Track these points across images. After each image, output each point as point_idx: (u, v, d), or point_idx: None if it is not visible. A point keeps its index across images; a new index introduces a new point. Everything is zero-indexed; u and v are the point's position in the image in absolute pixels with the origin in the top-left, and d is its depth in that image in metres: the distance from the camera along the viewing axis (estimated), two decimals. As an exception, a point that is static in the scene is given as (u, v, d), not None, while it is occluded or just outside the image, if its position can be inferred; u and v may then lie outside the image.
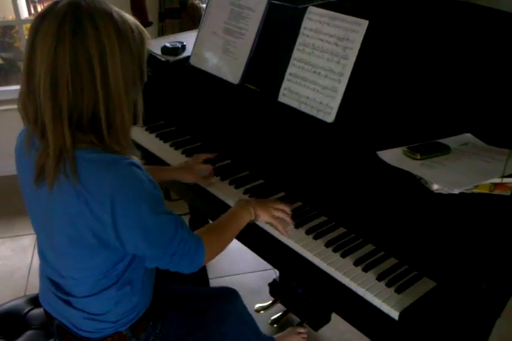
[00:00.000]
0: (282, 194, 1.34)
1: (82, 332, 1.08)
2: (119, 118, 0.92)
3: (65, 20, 0.84)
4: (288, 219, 1.21)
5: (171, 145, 1.58)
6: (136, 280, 1.07)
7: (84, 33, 0.85)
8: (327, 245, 1.16)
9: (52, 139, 0.88)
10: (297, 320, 1.81)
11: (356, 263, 1.10)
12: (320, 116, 1.28)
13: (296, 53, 1.34)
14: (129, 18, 0.94)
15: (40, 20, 0.86)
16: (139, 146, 1.62)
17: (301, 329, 1.74)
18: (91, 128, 0.90)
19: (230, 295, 1.33)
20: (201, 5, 2.46)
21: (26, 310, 1.28)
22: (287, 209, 1.22)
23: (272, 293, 1.86)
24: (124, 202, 0.90)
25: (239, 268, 2.18)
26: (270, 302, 1.86)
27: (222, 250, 1.14)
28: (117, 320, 1.08)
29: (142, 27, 0.96)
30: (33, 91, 0.87)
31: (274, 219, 1.19)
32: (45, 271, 1.11)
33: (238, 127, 1.48)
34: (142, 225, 0.93)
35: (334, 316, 1.71)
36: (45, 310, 1.16)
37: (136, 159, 0.97)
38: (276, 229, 1.20)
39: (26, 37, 1.00)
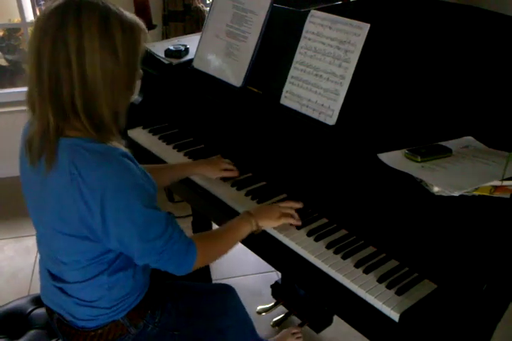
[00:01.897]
0: (284, 196, 1.35)
1: (79, 322, 1.10)
2: (99, 111, 0.94)
3: (53, 13, 0.90)
4: (295, 215, 1.21)
5: (173, 148, 1.59)
6: (130, 267, 1.08)
7: (66, 28, 0.88)
8: (328, 247, 1.16)
9: (39, 118, 0.94)
10: (299, 322, 1.81)
11: (357, 265, 1.11)
12: (322, 118, 1.28)
13: (298, 56, 1.34)
14: (128, 18, 0.95)
15: (40, 14, 0.93)
16: (141, 148, 1.63)
17: (295, 330, 1.74)
18: (75, 116, 0.94)
19: (226, 292, 1.35)
20: (205, 8, 2.47)
21: (29, 309, 1.29)
22: (292, 203, 1.23)
23: (274, 294, 1.86)
24: (114, 191, 0.93)
25: (241, 270, 2.19)
26: (272, 304, 1.86)
27: (215, 258, 1.15)
28: (112, 306, 1.09)
29: (141, 28, 0.97)
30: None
31: (282, 219, 1.19)
32: (42, 261, 1.14)
33: (240, 129, 1.49)
34: (131, 217, 0.95)
35: (336, 318, 1.71)
36: (46, 305, 1.18)
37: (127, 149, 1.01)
38: (290, 224, 1.20)
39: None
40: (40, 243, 1.13)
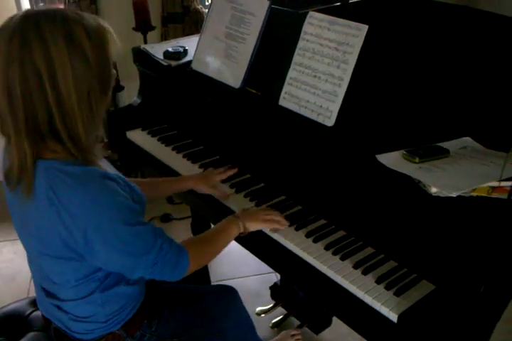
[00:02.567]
0: (283, 197, 1.35)
1: (75, 334, 1.10)
2: (80, 129, 0.91)
3: (14, 35, 0.84)
4: (283, 222, 1.22)
5: (173, 149, 1.59)
6: (122, 282, 1.07)
7: (31, 46, 0.84)
8: (327, 248, 1.16)
9: (15, 149, 0.90)
10: (298, 323, 1.81)
11: (356, 266, 1.11)
12: (320, 119, 1.29)
13: (296, 58, 1.35)
14: (90, 23, 0.90)
15: None
16: (140, 150, 1.63)
17: (295, 332, 1.74)
18: (53, 137, 0.91)
19: (228, 293, 1.34)
20: (204, 10, 2.47)
21: (28, 311, 1.29)
22: (276, 213, 1.24)
23: (273, 296, 1.86)
24: (94, 214, 0.91)
25: (240, 272, 2.19)
26: (271, 305, 1.86)
27: (207, 261, 1.16)
28: (107, 320, 1.08)
29: (106, 30, 0.93)
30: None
31: (266, 223, 1.21)
32: (35, 276, 1.13)
33: (239, 131, 1.49)
34: (116, 236, 0.93)
35: (335, 319, 1.71)
36: (42, 314, 1.18)
37: (105, 169, 0.97)
38: (272, 229, 1.22)
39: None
40: (30, 262, 1.12)
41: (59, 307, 1.08)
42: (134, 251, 0.96)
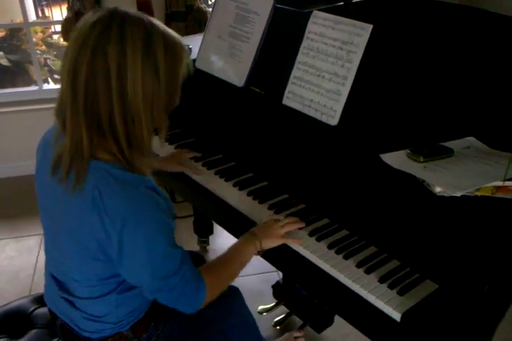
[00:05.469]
0: (286, 196, 1.35)
1: (83, 332, 1.09)
2: (138, 132, 0.89)
3: (98, 23, 0.85)
4: (298, 225, 1.20)
5: (175, 148, 1.59)
6: (137, 287, 1.05)
7: (109, 38, 0.84)
8: (330, 247, 1.16)
9: (71, 133, 0.88)
10: (300, 322, 1.81)
11: (359, 265, 1.11)
12: (324, 119, 1.29)
13: (300, 57, 1.35)
14: (171, 36, 0.90)
15: (80, 21, 0.88)
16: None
17: (298, 333, 1.74)
18: (112, 135, 0.89)
19: (231, 294, 1.34)
20: (207, 8, 2.48)
21: (31, 309, 1.29)
22: (291, 220, 1.21)
23: (275, 295, 1.86)
24: (135, 225, 0.89)
25: (242, 270, 2.19)
26: (273, 304, 1.86)
27: (223, 290, 1.12)
28: (118, 321, 1.08)
29: (183, 48, 0.92)
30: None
31: (284, 239, 1.17)
32: (49, 268, 1.12)
33: (242, 129, 1.49)
34: (148, 252, 0.92)
35: (337, 318, 1.71)
36: (49, 308, 1.17)
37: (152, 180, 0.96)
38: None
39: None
40: (49, 255, 1.10)
41: (72, 304, 1.06)
42: (158, 272, 0.94)
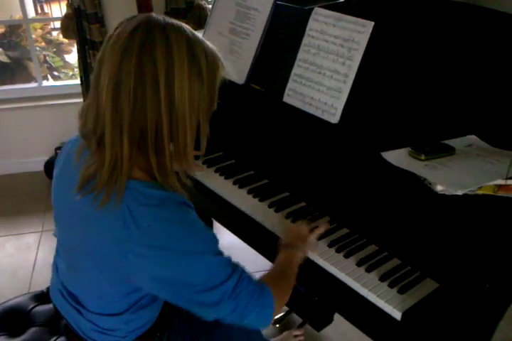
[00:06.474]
0: (286, 194, 1.35)
1: (89, 339, 1.06)
2: (182, 139, 0.87)
3: (137, 31, 0.82)
4: (323, 229, 1.19)
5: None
6: (152, 304, 1.03)
7: (155, 43, 0.81)
8: (330, 245, 1.16)
9: (110, 148, 0.83)
10: (299, 320, 1.81)
11: (359, 264, 1.10)
12: (325, 116, 1.28)
13: (301, 54, 1.34)
14: (209, 46, 0.89)
15: (114, 30, 0.85)
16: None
17: (298, 332, 1.73)
18: (155, 145, 0.85)
19: None
20: (207, 5, 2.46)
21: (30, 306, 1.29)
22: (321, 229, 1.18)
23: (274, 293, 1.86)
24: (177, 243, 0.85)
25: (242, 268, 2.18)
26: (273, 302, 1.86)
27: (287, 301, 1.09)
28: (126, 336, 1.05)
29: (220, 59, 0.92)
30: (97, 99, 0.84)
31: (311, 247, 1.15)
32: (60, 278, 1.07)
33: (242, 127, 1.49)
34: (194, 269, 0.87)
35: (337, 316, 1.71)
36: (54, 306, 1.13)
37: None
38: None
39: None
40: (61, 267, 1.05)
41: (81, 314, 1.03)
42: (210, 282, 0.89)
